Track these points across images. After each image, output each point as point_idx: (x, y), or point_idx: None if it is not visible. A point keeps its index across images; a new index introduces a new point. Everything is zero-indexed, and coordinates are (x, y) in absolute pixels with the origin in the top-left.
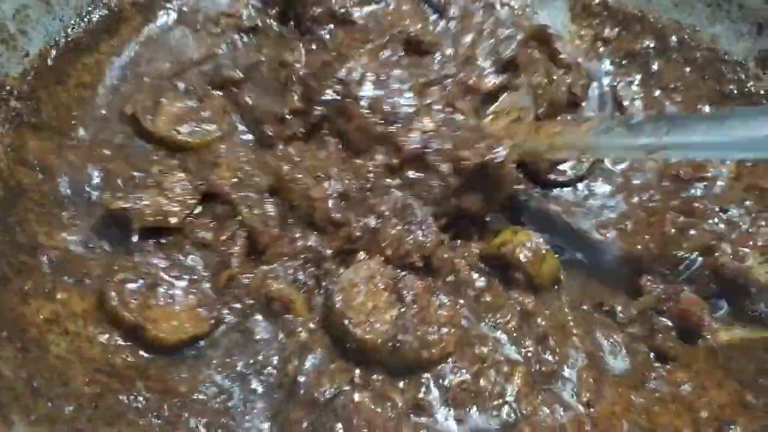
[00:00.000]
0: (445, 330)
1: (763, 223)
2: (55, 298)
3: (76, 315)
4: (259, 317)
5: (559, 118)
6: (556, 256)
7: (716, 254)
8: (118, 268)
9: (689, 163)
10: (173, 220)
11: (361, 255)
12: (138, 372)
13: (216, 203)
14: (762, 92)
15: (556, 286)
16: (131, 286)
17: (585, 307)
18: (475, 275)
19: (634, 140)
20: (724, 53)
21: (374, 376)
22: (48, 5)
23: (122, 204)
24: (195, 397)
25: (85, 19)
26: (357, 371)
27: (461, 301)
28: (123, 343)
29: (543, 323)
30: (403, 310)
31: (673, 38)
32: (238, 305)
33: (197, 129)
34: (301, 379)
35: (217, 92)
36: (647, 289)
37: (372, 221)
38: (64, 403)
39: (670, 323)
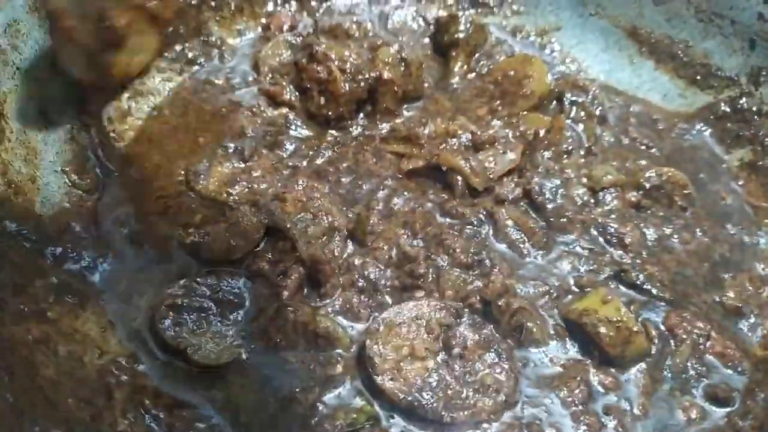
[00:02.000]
0: (482, 395)
1: None
2: (47, 318)
3: (69, 335)
4: (296, 349)
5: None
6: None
7: None
8: (170, 293)
9: None
10: (237, 255)
11: (420, 294)
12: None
13: (278, 238)
14: (754, 108)
15: (642, 364)
16: (180, 311)
17: (666, 387)
18: (549, 335)
19: None
20: (716, 69)
21: (393, 421)
22: (40, 18)
23: (193, 239)
24: (205, 413)
25: None
26: (379, 411)
27: (520, 365)
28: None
29: (614, 404)
30: (443, 362)
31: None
32: (279, 337)
33: (248, 188)
34: (320, 408)
35: (267, 151)
36: (680, 338)
37: (441, 260)
38: (51, 426)
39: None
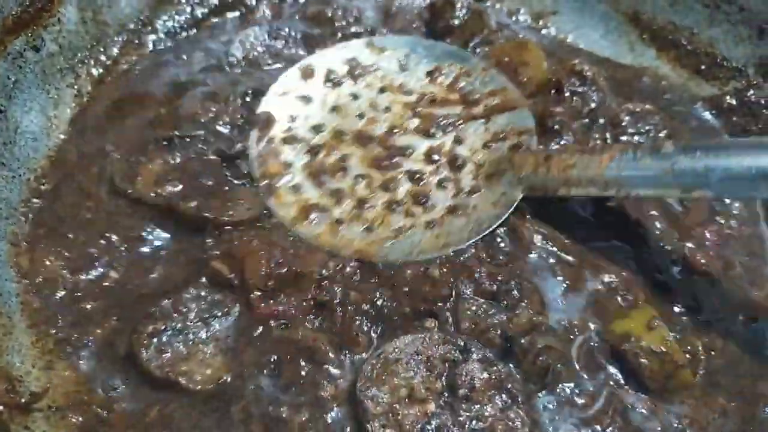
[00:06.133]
0: None
1: None
2: None
3: None
4: (292, 365)
5: (568, 144)
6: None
7: None
8: (146, 321)
9: None
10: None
11: (432, 323)
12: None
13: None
14: (762, 101)
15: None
16: (161, 337)
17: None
18: (579, 369)
19: (666, 172)
20: (722, 59)
21: None
22: None
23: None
24: None
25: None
26: None
27: (541, 407)
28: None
29: None
30: (446, 404)
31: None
32: (269, 355)
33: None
34: None
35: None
36: None
37: (465, 288)
38: None
39: None
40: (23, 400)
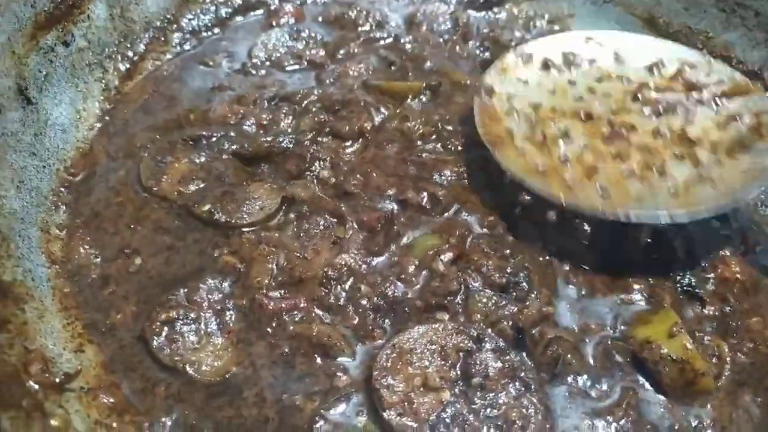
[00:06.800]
0: None
1: None
2: None
3: None
4: (306, 358)
5: None
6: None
7: None
8: (159, 309)
9: None
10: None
11: (443, 315)
12: None
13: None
14: None
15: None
16: (172, 325)
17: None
18: (591, 362)
19: None
20: (737, 62)
21: None
22: None
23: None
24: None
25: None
26: None
27: (554, 389)
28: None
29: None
30: (461, 393)
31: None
32: (280, 345)
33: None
34: (319, 424)
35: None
36: None
37: (473, 281)
38: None
39: None
40: (57, 380)
